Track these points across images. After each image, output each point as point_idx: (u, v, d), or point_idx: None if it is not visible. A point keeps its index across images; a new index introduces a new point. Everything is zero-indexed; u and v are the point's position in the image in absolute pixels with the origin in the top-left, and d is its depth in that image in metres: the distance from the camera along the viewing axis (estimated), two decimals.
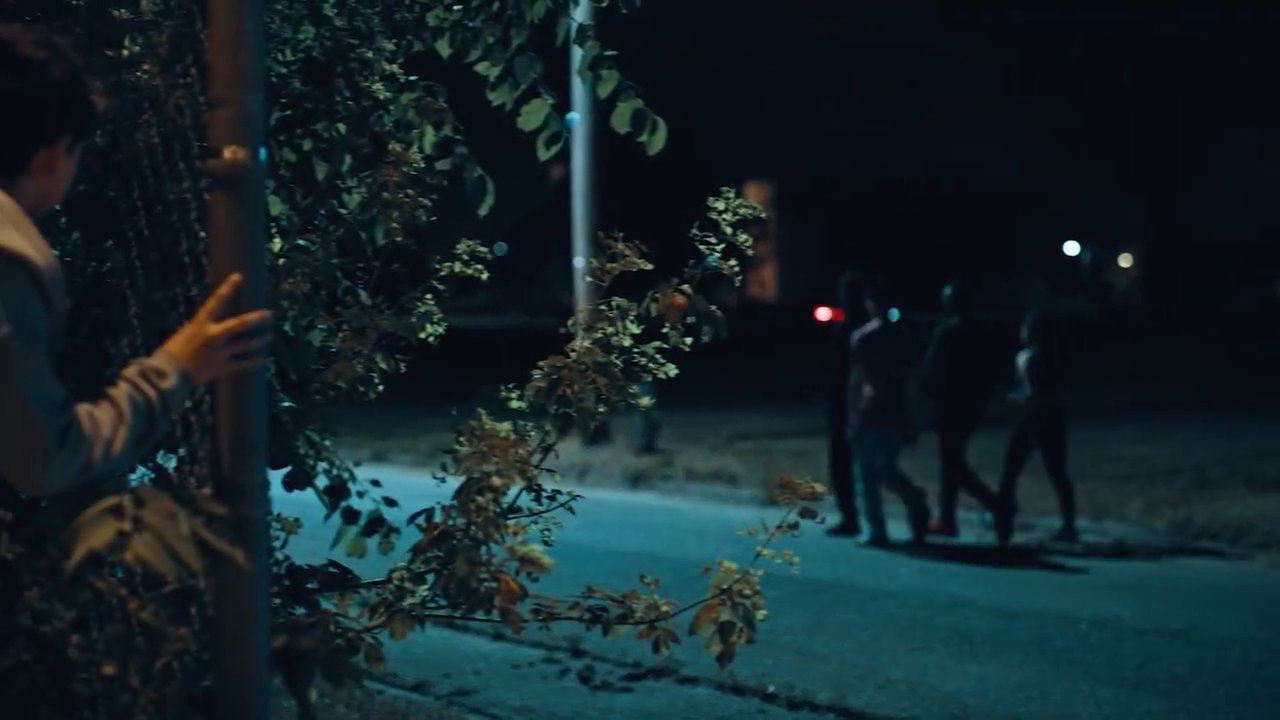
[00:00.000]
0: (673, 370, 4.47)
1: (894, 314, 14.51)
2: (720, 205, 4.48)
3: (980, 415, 14.99)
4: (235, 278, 3.20)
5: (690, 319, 4.49)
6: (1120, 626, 10.74)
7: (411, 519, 4.14)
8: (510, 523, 4.05)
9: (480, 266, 4.68)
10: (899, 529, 14.67)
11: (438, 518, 4.04)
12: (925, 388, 14.66)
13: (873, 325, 14.49)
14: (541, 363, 4.39)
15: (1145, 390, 31.40)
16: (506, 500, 4.11)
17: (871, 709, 8.59)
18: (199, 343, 3.17)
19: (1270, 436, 21.28)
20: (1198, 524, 14.70)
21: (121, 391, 3.03)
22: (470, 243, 4.67)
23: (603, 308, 4.40)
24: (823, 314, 15.66)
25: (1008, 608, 11.41)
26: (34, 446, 2.85)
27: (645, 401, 4.42)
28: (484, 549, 3.98)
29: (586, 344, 4.35)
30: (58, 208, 4.24)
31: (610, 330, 4.37)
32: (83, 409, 2.96)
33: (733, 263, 4.45)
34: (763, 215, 4.60)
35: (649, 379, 4.46)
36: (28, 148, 3.07)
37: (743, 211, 4.47)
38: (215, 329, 3.19)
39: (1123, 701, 8.74)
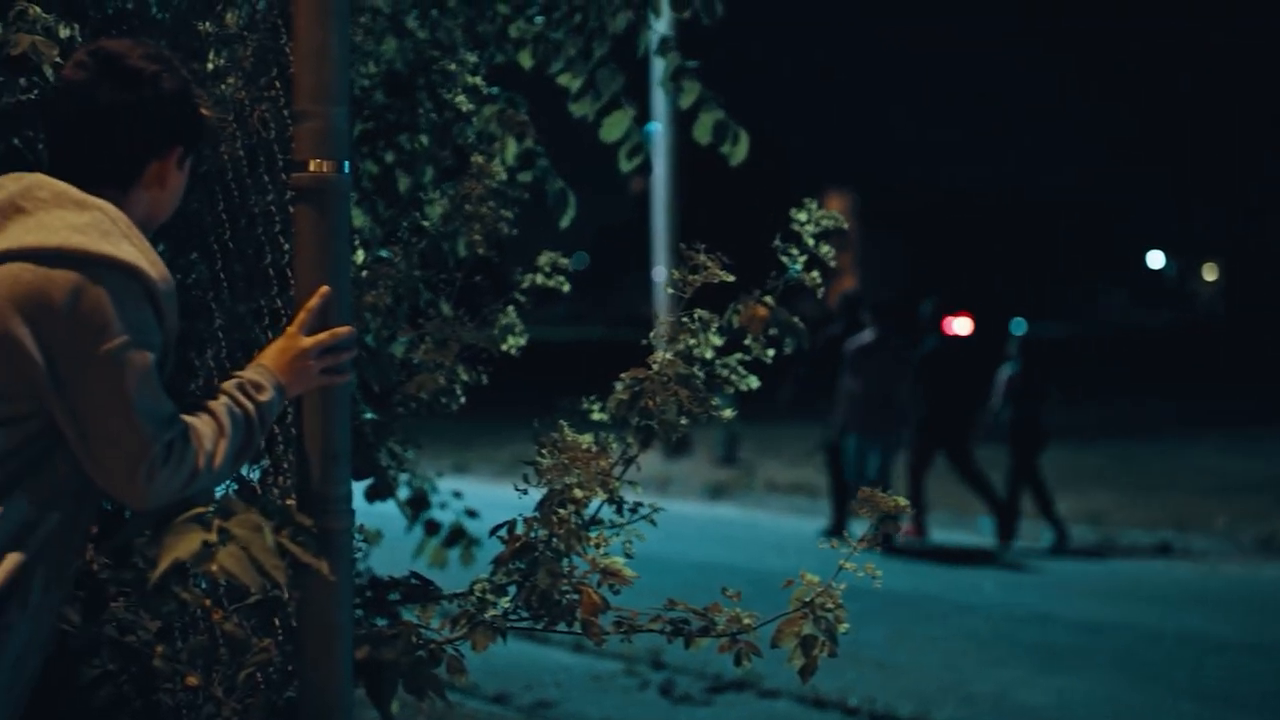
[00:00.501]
0: (755, 382, 4.45)
1: (1020, 325, 15.06)
2: (802, 216, 4.46)
3: (968, 429, 15.40)
4: (325, 290, 3.21)
5: (772, 330, 4.48)
6: (1205, 641, 10.64)
7: (493, 531, 4.14)
8: (592, 534, 4.04)
9: (562, 278, 4.68)
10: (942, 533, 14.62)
11: (520, 529, 4.04)
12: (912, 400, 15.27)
13: (866, 336, 15.24)
14: (623, 375, 4.38)
15: (1229, 402, 31.08)
16: (588, 512, 4.11)
17: None
18: (291, 355, 3.18)
19: None
20: None
21: (221, 404, 3.04)
22: (552, 254, 4.67)
23: (684, 320, 4.38)
24: (960, 326, 15.74)
25: (1091, 621, 11.32)
26: (140, 459, 2.85)
27: (727, 414, 4.40)
28: (565, 561, 3.98)
29: (668, 356, 4.33)
30: None
31: (692, 342, 4.36)
32: (186, 421, 2.97)
33: (815, 274, 4.44)
34: (845, 226, 4.58)
35: (731, 391, 4.45)
36: (140, 160, 3.08)
37: (825, 223, 4.45)
38: (308, 342, 3.20)
39: (1207, 717, 8.66)
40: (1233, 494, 17.45)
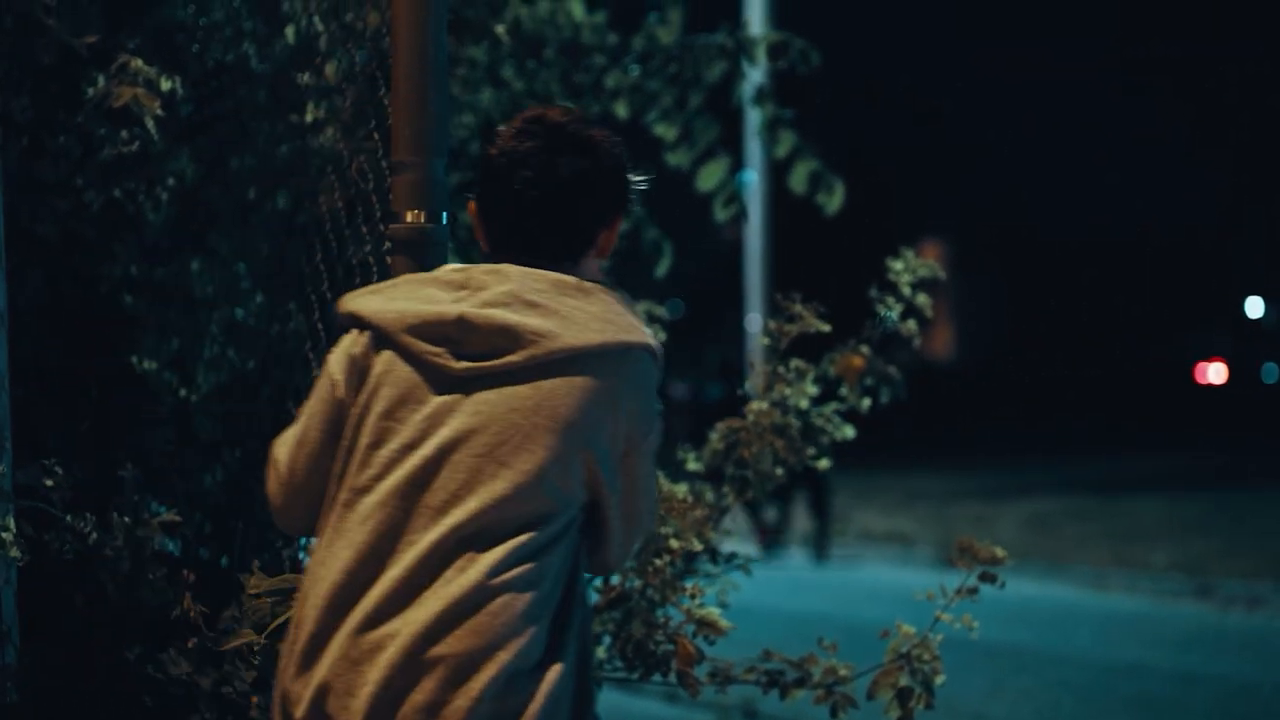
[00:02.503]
0: (850, 432, 4.44)
1: (1273, 371, 15.70)
2: (899, 265, 4.45)
3: None
4: None
5: (869, 380, 4.47)
6: None
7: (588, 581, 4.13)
8: (687, 584, 4.03)
9: (658, 327, 4.68)
10: None
11: (615, 580, 4.04)
12: None
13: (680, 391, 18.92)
14: (719, 424, 4.38)
15: None
16: (681, 562, 4.10)
17: None
18: None
19: None
20: None
21: None
22: (647, 304, 4.67)
23: (780, 369, 4.37)
24: (1215, 373, 15.82)
25: (1188, 672, 11.18)
26: (648, 530, 3.05)
27: (823, 464, 4.38)
28: (660, 612, 3.97)
29: (764, 405, 4.33)
30: (241, 270, 4.31)
31: (788, 391, 4.35)
32: None
33: (912, 323, 4.43)
34: (941, 276, 4.57)
35: (827, 441, 4.43)
36: (594, 230, 3.01)
37: (922, 272, 4.44)
38: None
39: None
40: None
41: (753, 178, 21.44)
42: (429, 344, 2.80)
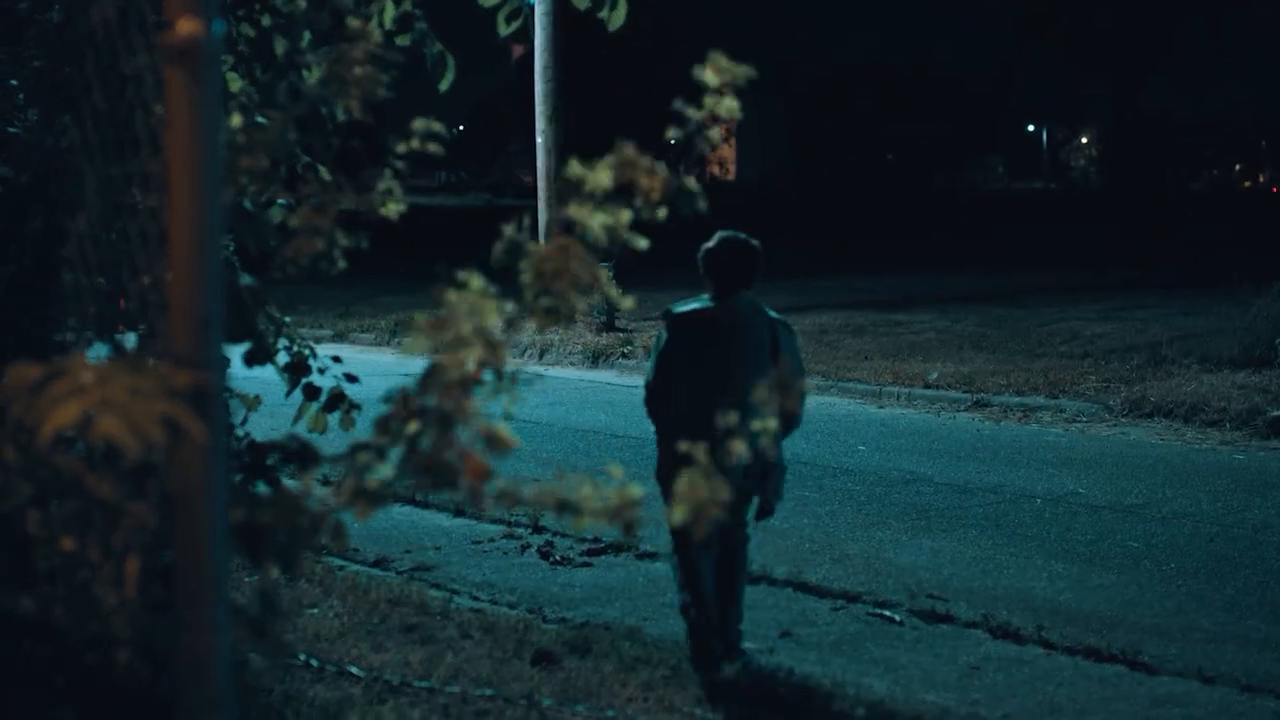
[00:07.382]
0: (644, 243, 4.51)
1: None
2: (709, 75, 4.48)
3: None
4: None
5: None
6: (1074, 502, 10.87)
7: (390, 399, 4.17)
8: (477, 395, 4.09)
9: (437, 144, 4.66)
10: None
11: (414, 392, 4.09)
12: None
13: None
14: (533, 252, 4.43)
15: (1101, 271, 31.48)
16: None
17: (828, 583, 8.68)
18: None
19: (1224, 316, 21.33)
20: (1152, 401, 14.80)
21: None
22: (426, 120, 4.65)
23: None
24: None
25: (963, 483, 11.52)
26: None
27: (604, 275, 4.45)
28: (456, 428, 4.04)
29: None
30: (14, 83, 4.21)
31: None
32: None
33: (715, 132, 4.48)
34: (752, 76, 4.61)
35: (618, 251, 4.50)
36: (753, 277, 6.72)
37: (737, 74, 4.47)
38: None
39: (1076, 576, 8.84)
40: (1103, 359, 17.73)
41: None
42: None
